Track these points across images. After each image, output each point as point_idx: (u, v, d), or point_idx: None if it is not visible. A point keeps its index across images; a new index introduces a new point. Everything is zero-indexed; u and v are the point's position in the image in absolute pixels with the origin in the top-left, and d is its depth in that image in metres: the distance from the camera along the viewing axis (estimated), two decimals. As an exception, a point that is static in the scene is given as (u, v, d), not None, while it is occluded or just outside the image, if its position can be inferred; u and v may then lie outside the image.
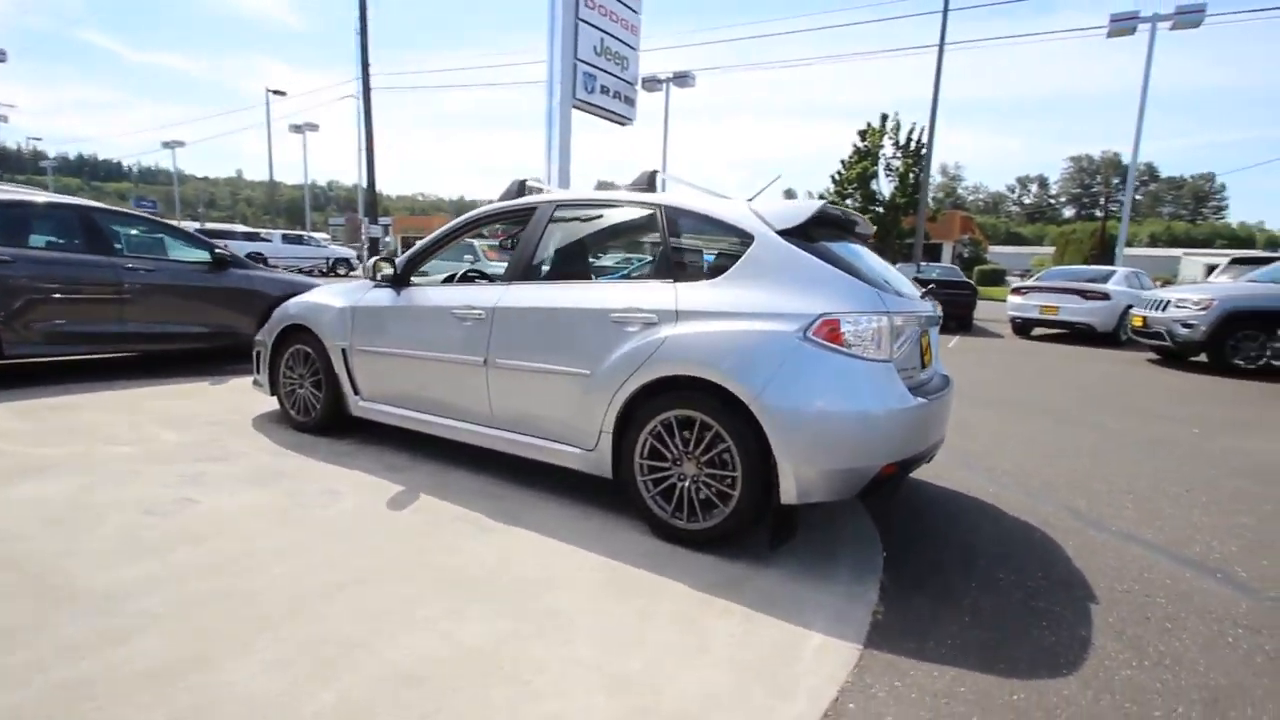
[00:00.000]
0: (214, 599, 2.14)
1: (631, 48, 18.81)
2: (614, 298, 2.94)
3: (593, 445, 2.94)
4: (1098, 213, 67.46)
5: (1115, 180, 73.26)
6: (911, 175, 28.64)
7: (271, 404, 4.72)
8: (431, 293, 3.64)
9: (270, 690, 1.72)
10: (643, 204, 3.13)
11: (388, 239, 26.82)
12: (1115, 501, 3.56)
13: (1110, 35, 15.74)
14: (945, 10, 16.33)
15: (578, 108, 19.08)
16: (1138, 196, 66.52)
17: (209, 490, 3.09)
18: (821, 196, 35.64)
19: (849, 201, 30.30)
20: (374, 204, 27.36)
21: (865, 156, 29.56)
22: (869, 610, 2.31)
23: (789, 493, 2.49)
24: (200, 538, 2.58)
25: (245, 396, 5.01)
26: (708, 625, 2.15)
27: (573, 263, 3.56)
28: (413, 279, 3.77)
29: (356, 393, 3.89)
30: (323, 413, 4.03)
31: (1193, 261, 37.75)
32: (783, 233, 2.73)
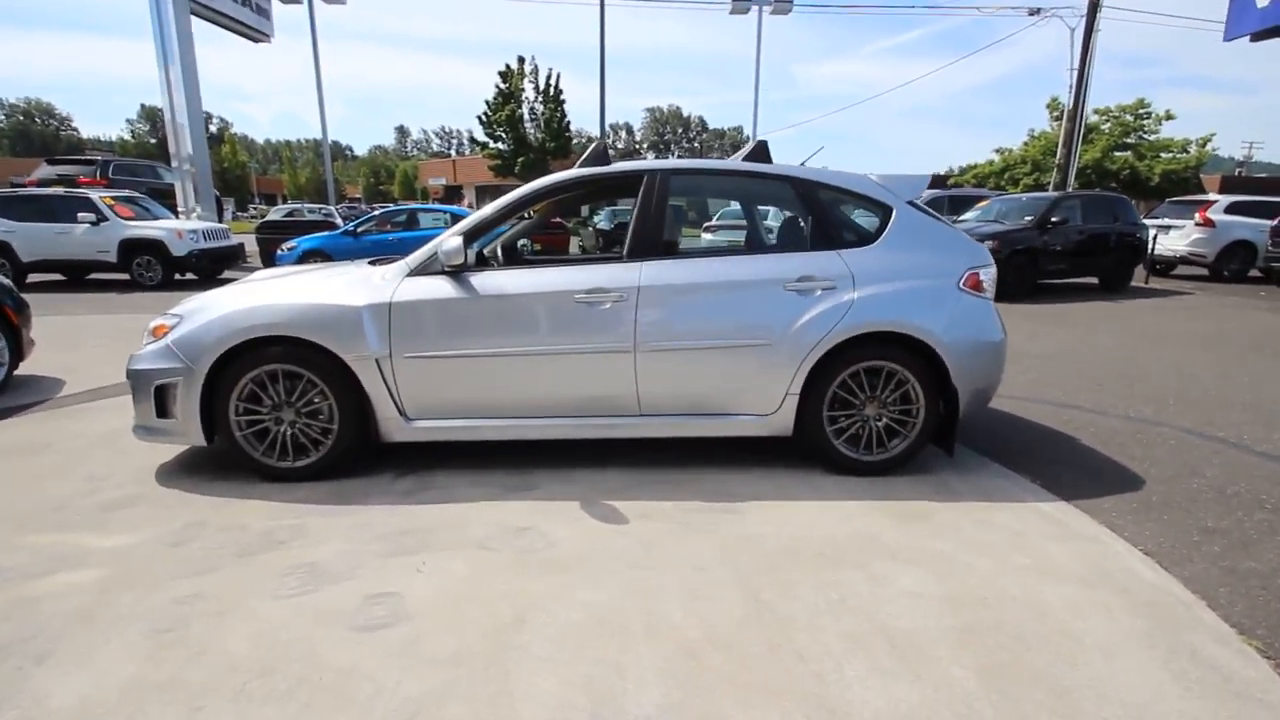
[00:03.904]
0: (783, 676, 1.84)
1: (261, -55, 15.57)
2: (783, 268, 3.07)
3: (774, 409, 3.09)
4: (675, 156, 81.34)
5: (679, 129, 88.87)
6: (555, 121, 30.20)
7: (147, 456, 3.29)
8: (526, 277, 3.06)
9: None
10: (769, 175, 3.24)
11: None
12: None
13: (731, 13, 19.37)
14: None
15: (198, 14, 14.93)
16: (697, 144, 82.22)
17: (368, 581, 2.26)
18: (472, 139, 34.81)
19: (500, 145, 30.51)
20: None
21: (510, 99, 29.91)
22: (1031, 481, 3.17)
23: (961, 412, 3.16)
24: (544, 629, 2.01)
25: (54, 457, 3.32)
26: (1000, 522, 2.72)
27: (714, 235, 3.41)
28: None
29: (402, 413, 3.06)
30: (335, 448, 3.05)
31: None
32: (909, 204, 3.26)
